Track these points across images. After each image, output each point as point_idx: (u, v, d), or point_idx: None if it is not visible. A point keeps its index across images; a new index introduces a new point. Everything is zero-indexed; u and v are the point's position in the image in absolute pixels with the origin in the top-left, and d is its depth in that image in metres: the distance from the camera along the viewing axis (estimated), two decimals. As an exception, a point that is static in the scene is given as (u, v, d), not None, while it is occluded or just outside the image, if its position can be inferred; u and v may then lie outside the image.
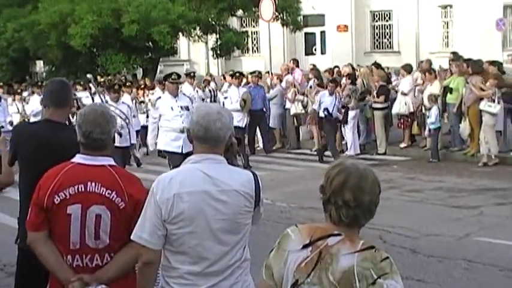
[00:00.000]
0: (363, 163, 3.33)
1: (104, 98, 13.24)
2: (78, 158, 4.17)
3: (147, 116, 18.00)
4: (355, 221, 3.14)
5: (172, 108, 11.85)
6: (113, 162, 4.20)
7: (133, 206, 4.05)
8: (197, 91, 19.62)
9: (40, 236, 4.12)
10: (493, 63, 16.32)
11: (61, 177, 4.08)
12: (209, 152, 3.90)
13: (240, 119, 16.72)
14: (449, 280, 7.87)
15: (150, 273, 3.90)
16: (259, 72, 19.09)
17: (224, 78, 23.59)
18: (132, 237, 3.88)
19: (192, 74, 20.26)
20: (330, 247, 3.10)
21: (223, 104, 18.35)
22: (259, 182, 3.96)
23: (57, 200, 4.05)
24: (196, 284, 3.85)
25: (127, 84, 20.72)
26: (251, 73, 19.80)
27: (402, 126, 17.72)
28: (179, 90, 15.04)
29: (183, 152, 11.24)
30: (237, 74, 18.78)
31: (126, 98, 16.90)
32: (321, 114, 16.96)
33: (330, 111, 16.68)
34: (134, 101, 18.62)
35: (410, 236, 9.78)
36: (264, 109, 19.03)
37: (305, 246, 3.15)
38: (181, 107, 11.85)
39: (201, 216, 3.80)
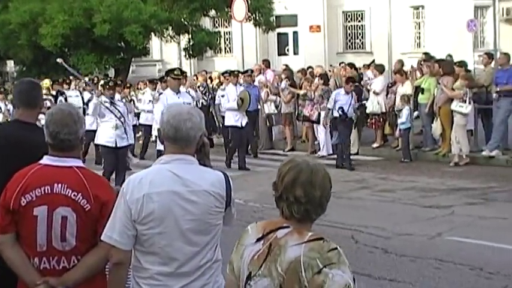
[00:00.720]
0: (317, 160, 3.34)
1: (100, 96, 13.12)
2: (46, 160, 4.13)
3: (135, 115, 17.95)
4: (307, 216, 3.20)
5: None
6: (80, 164, 4.15)
7: (99, 208, 4.01)
8: (189, 91, 19.07)
9: (7, 239, 4.06)
10: (460, 64, 16.44)
11: (28, 179, 4.03)
12: (179, 153, 3.88)
13: (237, 118, 16.43)
14: (421, 279, 7.90)
15: (121, 274, 3.87)
16: (232, 72, 18.62)
17: (196, 78, 23.48)
18: (102, 237, 3.86)
19: (184, 74, 19.84)
20: (278, 239, 3.17)
21: (220, 103, 18.35)
22: (230, 182, 3.94)
23: (23, 202, 4.00)
24: (166, 284, 3.83)
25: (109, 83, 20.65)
26: (243, 72, 19.12)
27: (374, 126, 17.79)
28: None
29: None
30: (235, 72, 18.39)
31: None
32: (335, 114, 16.08)
33: (345, 110, 15.88)
34: (124, 100, 18.30)
35: (383, 236, 9.81)
36: (259, 109, 18.69)
37: (258, 240, 3.24)
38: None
39: (170, 217, 3.78)
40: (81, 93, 13.74)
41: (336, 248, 3.11)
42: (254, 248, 3.23)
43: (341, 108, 15.85)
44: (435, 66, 16.89)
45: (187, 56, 32.51)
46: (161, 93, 11.96)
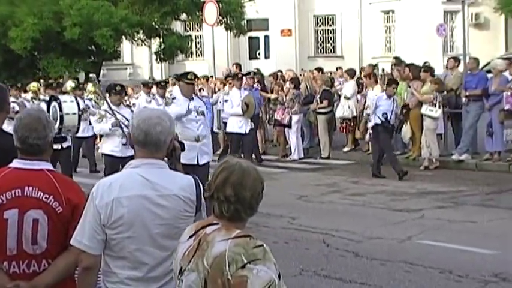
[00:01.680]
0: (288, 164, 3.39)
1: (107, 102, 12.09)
2: (16, 163, 4.09)
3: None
4: (237, 215, 3.27)
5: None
6: (50, 167, 4.12)
7: (71, 211, 3.98)
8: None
9: None
10: (426, 68, 16.57)
11: None
12: (149, 157, 3.88)
13: (241, 125, 15.53)
14: (391, 283, 7.93)
15: (90, 279, 3.84)
16: (236, 75, 17.43)
17: (168, 82, 23.39)
18: (71, 242, 3.83)
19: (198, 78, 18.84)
20: (207, 235, 3.26)
21: (223, 108, 17.09)
22: (201, 186, 3.93)
23: None
24: None
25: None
26: (245, 75, 18.03)
27: (345, 130, 17.86)
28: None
29: (200, 163, 10.22)
30: (238, 76, 17.20)
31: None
32: (376, 121, 14.79)
33: (389, 117, 14.63)
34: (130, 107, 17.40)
35: (353, 240, 9.83)
36: (260, 114, 18.01)
37: (190, 237, 3.34)
38: (197, 111, 10.60)
39: (140, 221, 3.77)
40: (76, 99, 13.02)
41: (262, 245, 3.17)
42: (186, 244, 3.33)
43: (385, 114, 14.65)
44: (405, 71, 17.01)
45: (158, 59, 32.46)
46: (174, 98, 10.93)
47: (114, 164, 11.46)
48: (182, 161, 10.10)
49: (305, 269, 8.31)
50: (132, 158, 10.87)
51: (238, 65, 22.90)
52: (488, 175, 14.54)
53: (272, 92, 18.99)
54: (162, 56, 31.74)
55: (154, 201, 3.79)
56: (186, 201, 3.85)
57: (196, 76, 11.26)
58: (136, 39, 31.11)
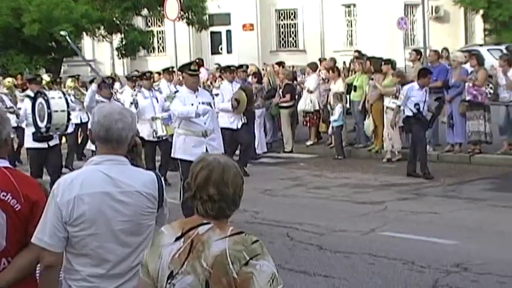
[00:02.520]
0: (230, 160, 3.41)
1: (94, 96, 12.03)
2: None
3: None
4: (221, 213, 3.27)
5: (193, 105, 9.93)
6: (7, 164, 4.05)
7: (29, 208, 3.91)
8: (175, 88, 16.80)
9: None
10: (387, 61, 16.69)
11: None
12: (111, 153, 3.85)
13: (232, 120, 14.53)
14: (355, 275, 7.99)
15: (52, 277, 3.81)
16: (228, 67, 16.37)
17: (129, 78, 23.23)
18: (32, 240, 3.78)
19: (170, 69, 17.83)
20: (201, 235, 3.22)
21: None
22: (163, 182, 3.93)
23: None
24: (99, 286, 3.79)
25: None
26: (238, 67, 16.90)
27: (308, 124, 17.92)
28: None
29: None
30: (231, 68, 16.15)
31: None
32: (408, 113, 13.98)
33: (421, 108, 13.78)
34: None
35: (317, 233, 9.88)
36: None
37: (178, 239, 3.26)
38: (203, 104, 9.98)
39: (102, 218, 3.75)
40: (64, 95, 12.07)
41: (258, 241, 3.23)
42: (174, 246, 3.24)
43: (417, 105, 13.74)
44: (367, 64, 17.11)
45: (120, 55, 32.22)
46: (177, 91, 10.26)
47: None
48: (186, 157, 9.24)
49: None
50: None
51: (201, 60, 22.84)
52: (449, 166, 14.69)
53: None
54: (123, 51, 31.51)
55: (116, 197, 3.78)
56: (149, 197, 3.84)
57: (200, 66, 10.49)
58: (97, 35, 30.83)
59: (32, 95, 12.53)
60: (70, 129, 14.70)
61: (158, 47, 39.80)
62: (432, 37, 30.59)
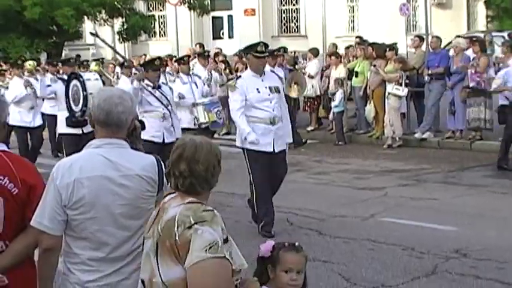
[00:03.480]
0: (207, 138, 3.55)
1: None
2: None
3: None
4: (192, 189, 3.40)
5: (258, 90, 9.02)
6: (5, 148, 4.05)
7: (27, 192, 3.91)
8: (211, 73, 16.61)
9: None
10: (391, 47, 16.65)
11: None
12: (111, 137, 3.86)
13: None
14: (354, 260, 8.00)
15: (51, 260, 3.82)
16: (278, 50, 16.22)
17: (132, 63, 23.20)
18: (31, 223, 3.79)
19: (206, 54, 17.57)
20: (165, 203, 3.43)
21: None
22: (163, 166, 3.92)
23: None
24: (98, 269, 3.80)
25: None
26: (275, 51, 15.85)
27: (309, 109, 17.90)
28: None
29: (276, 150, 9.01)
30: (275, 52, 15.03)
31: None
32: (503, 101, 12.93)
33: None
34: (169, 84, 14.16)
35: (317, 218, 9.90)
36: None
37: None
38: (270, 89, 9.05)
39: (101, 202, 3.75)
40: (100, 76, 11.63)
41: (212, 210, 3.29)
42: (151, 217, 3.50)
43: None
44: (369, 50, 17.07)
45: (121, 39, 32.13)
46: (239, 77, 9.27)
47: (155, 152, 9.80)
48: (253, 147, 8.77)
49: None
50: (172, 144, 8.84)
51: (201, 45, 22.78)
52: (450, 153, 14.69)
53: (236, 72, 18.92)
54: (124, 36, 31.41)
55: (116, 181, 3.78)
56: (148, 181, 3.84)
57: (267, 46, 9.45)
58: (98, 19, 30.71)
59: (65, 77, 11.92)
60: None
61: (159, 32, 39.70)
62: (434, 23, 30.39)
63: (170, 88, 11.11)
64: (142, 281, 3.39)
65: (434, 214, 9.90)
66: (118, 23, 31.85)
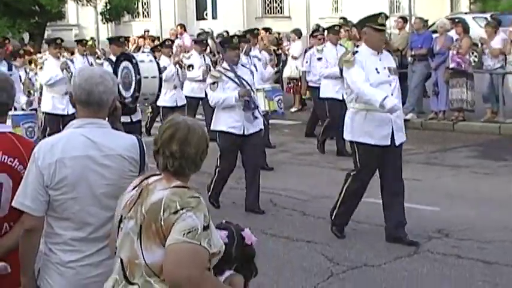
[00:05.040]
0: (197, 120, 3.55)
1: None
2: None
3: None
4: (180, 171, 3.40)
5: (377, 70, 7.70)
6: (10, 129, 4.06)
7: None
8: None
9: None
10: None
11: None
12: (92, 117, 3.85)
13: (338, 89, 12.30)
14: (337, 240, 8.03)
15: (33, 240, 3.81)
16: (333, 27, 14.55)
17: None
18: (13, 203, 3.79)
19: (256, 32, 16.45)
20: (149, 184, 3.42)
21: (311, 68, 14.41)
22: (144, 146, 3.92)
23: None
24: (80, 249, 3.80)
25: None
26: (330, 27, 14.37)
27: (292, 90, 17.89)
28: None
29: (396, 143, 7.78)
30: (335, 28, 13.86)
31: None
32: None
33: None
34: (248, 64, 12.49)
35: (301, 199, 9.92)
36: None
37: (134, 188, 3.48)
38: (389, 70, 7.90)
39: (84, 182, 3.75)
40: (155, 58, 10.03)
41: (198, 197, 3.31)
42: (129, 195, 3.48)
43: None
44: (353, 31, 17.04)
45: (104, 20, 31.92)
46: (356, 52, 7.83)
47: (233, 146, 9.21)
48: (369, 141, 7.67)
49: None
50: (258, 134, 8.80)
51: (183, 26, 22.65)
52: (433, 134, 14.75)
53: (219, 54, 18.82)
54: (108, 16, 31.21)
55: (99, 161, 3.78)
56: (131, 161, 3.84)
57: (387, 17, 8.30)
58: (81, -1, 30.54)
59: (113, 58, 10.49)
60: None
61: (143, 12, 39.45)
62: (418, 5, 30.39)
63: (251, 71, 9.73)
64: (121, 260, 3.40)
65: (417, 194, 9.91)
66: (101, 3, 31.62)
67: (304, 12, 36.81)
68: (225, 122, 9.17)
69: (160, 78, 9.40)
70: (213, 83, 9.20)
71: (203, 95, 13.62)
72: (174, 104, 13.11)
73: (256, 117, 9.26)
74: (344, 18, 21.44)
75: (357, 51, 7.86)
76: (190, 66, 14.31)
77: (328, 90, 12.79)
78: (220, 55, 10.05)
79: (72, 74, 12.18)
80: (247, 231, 3.56)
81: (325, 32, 14.49)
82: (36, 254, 3.85)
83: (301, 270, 7.15)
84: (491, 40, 14.75)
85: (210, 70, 14.26)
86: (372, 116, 7.64)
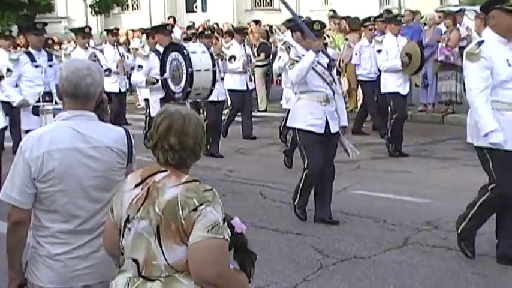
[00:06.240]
0: (188, 109, 3.52)
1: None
2: None
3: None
4: (182, 163, 3.37)
5: (509, 62, 6.54)
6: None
7: None
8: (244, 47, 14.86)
9: None
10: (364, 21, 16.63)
11: None
12: (80, 109, 3.83)
13: (399, 83, 11.93)
14: (327, 232, 8.04)
15: (20, 233, 3.80)
16: (394, 17, 13.95)
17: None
18: (0, 196, 3.77)
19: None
20: (157, 182, 3.33)
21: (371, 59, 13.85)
22: (132, 138, 3.91)
23: None
24: (68, 242, 3.79)
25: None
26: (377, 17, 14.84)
27: (281, 83, 17.83)
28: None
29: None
30: (397, 17, 13.17)
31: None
32: None
33: None
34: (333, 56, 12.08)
35: (290, 191, 9.86)
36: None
37: (137, 185, 3.38)
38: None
39: (72, 174, 3.73)
40: (208, 48, 9.40)
41: (212, 190, 3.28)
42: (133, 193, 3.37)
43: None
44: (343, 23, 17.05)
45: (93, 12, 31.85)
46: (481, 42, 6.65)
47: (316, 145, 8.17)
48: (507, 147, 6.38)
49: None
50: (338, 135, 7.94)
51: (173, 18, 22.60)
52: (422, 126, 14.77)
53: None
54: (97, 9, 31.17)
55: (87, 153, 3.76)
56: (118, 153, 3.83)
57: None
58: (70, -9, 30.45)
59: (161, 49, 9.73)
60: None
61: (132, 5, 39.36)
62: (408, -3, 30.47)
63: (333, 60, 8.85)
64: (135, 260, 3.33)
65: (407, 187, 9.95)
66: (90, -5, 31.58)
67: (294, 5, 36.81)
68: (304, 118, 8.17)
69: (214, 72, 8.83)
70: (292, 63, 8.09)
71: (245, 88, 13.66)
72: (215, 98, 11.90)
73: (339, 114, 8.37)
74: (334, 11, 21.43)
75: (482, 41, 6.66)
76: (232, 57, 13.79)
77: (390, 84, 11.98)
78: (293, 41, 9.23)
79: (102, 67, 11.09)
80: (236, 220, 3.51)
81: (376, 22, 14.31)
82: (23, 247, 3.83)
83: (290, 263, 7.15)
84: (480, 32, 14.75)
85: (250, 61, 14.30)
86: (504, 117, 6.53)
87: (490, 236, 7.48)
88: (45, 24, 10.77)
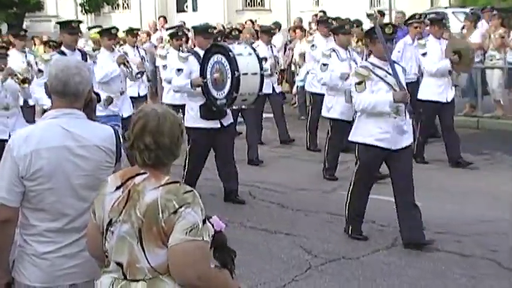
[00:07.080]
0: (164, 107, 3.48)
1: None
2: None
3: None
4: (158, 162, 3.36)
5: None
6: None
7: None
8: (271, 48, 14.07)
9: None
10: (356, 23, 16.67)
11: None
12: (68, 107, 3.82)
13: (441, 90, 11.28)
14: (316, 233, 8.06)
15: (8, 232, 3.79)
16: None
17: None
18: None
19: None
20: (137, 185, 3.32)
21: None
22: (120, 137, 3.91)
23: None
24: (55, 241, 3.78)
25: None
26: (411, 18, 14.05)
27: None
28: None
29: None
30: (440, 19, 12.59)
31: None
32: None
33: None
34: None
35: (279, 191, 9.93)
36: None
37: (118, 188, 3.37)
38: None
39: (60, 172, 3.73)
40: (254, 50, 8.83)
41: (192, 191, 3.29)
42: (114, 196, 3.36)
43: None
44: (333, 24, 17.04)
45: (83, 11, 31.75)
46: None
47: (377, 158, 7.71)
48: None
49: (231, 220, 8.31)
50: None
51: (164, 18, 22.56)
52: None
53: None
54: (87, 7, 31.06)
55: (75, 152, 3.75)
56: (107, 152, 3.83)
57: None
58: (60, -11, 30.35)
59: (200, 51, 8.90)
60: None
61: (123, 4, 39.23)
62: (398, -2, 30.54)
63: (403, 69, 8.06)
64: (119, 264, 3.33)
65: (395, 188, 9.96)
66: (80, -6, 31.48)
67: (284, 6, 36.89)
68: (369, 132, 7.55)
69: (262, 75, 8.20)
70: (359, 83, 7.41)
71: (270, 91, 12.93)
72: None
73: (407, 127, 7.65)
74: (324, 12, 21.44)
75: None
76: (264, 59, 11.40)
77: (430, 91, 11.28)
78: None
79: (132, 70, 10.84)
80: (215, 218, 3.50)
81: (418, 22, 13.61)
82: (11, 245, 3.82)
83: (279, 263, 7.16)
84: (470, 35, 14.81)
85: (278, 63, 13.86)
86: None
87: (477, 237, 7.52)
88: (80, 22, 9.98)
